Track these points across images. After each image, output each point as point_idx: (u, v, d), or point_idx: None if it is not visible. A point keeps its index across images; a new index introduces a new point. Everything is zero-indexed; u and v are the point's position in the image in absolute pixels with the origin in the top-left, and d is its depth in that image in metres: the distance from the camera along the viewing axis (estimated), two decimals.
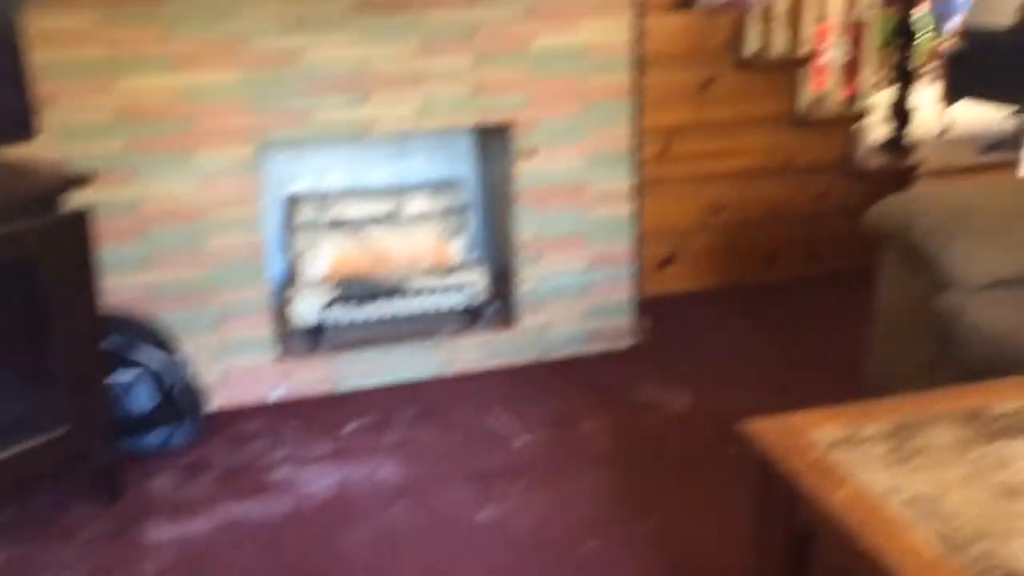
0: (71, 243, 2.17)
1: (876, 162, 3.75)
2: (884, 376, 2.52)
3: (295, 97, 2.67)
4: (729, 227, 3.63)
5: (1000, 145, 5.43)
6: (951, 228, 2.20)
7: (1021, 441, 1.45)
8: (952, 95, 5.94)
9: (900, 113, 3.82)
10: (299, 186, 3.09)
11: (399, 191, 3.14)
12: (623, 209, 3.06)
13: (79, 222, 2.17)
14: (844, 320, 3.31)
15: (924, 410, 1.56)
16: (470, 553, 2.14)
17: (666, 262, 3.60)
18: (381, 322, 3.04)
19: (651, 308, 3.28)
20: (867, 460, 1.43)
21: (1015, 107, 5.71)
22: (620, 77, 2.93)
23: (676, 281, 3.62)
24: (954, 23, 6.84)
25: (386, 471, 2.47)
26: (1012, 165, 5.01)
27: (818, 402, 2.63)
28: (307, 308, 2.92)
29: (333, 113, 2.71)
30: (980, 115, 6.19)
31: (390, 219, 3.09)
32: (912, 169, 3.80)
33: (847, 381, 2.77)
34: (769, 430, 1.52)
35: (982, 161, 5.24)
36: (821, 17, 3.73)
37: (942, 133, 5.87)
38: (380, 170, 3.17)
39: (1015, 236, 2.18)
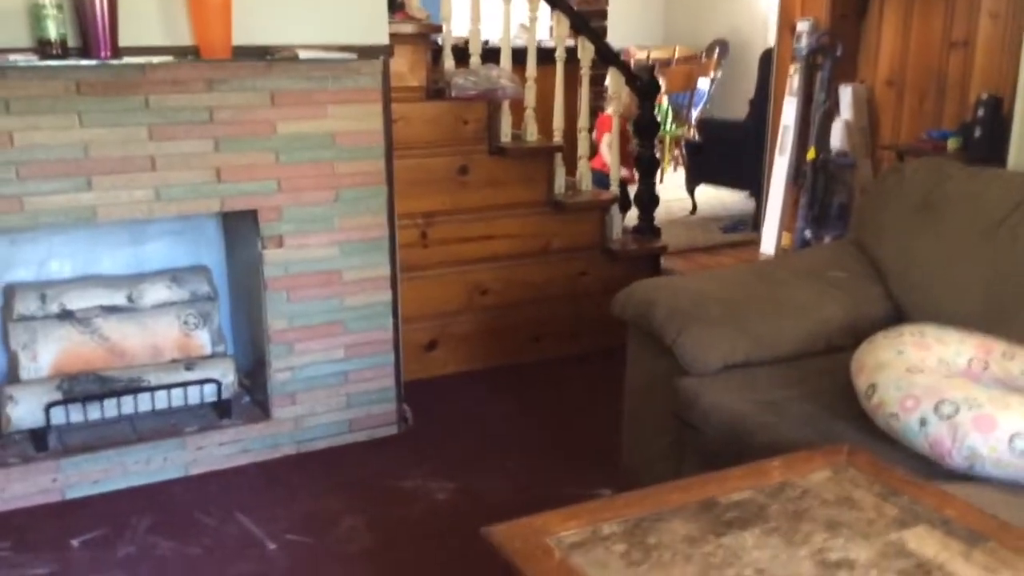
0: None
1: (628, 244, 3.92)
2: (637, 456, 2.59)
3: (4, 183, 2.43)
4: (492, 309, 3.66)
5: (739, 225, 5.89)
6: (686, 317, 2.30)
7: (749, 533, 1.49)
8: (693, 180, 6.43)
9: (646, 199, 4.03)
10: (19, 274, 2.81)
11: (136, 279, 2.93)
12: (382, 296, 3.00)
13: None
14: (604, 398, 3.39)
15: (661, 503, 1.58)
16: None
17: (430, 346, 3.56)
18: (117, 421, 2.79)
19: (415, 392, 3.23)
20: (606, 561, 1.42)
21: (746, 191, 6.24)
22: (373, 164, 2.89)
23: (441, 364, 3.59)
24: (696, 114, 7.43)
25: None
26: (752, 243, 5.44)
27: (577, 484, 2.71)
28: (27, 409, 2.62)
29: (50, 199, 2.49)
30: (721, 197, 6.71)
31: (126, 309, 2.86)
32: (661, 249, 4.01)
33: (606, 460, 2.84)
34: (513, 535, 1.48)
35: (725, 240, 5.66)
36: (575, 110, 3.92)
37: (690, 214, 6.30)
38: (115, 257, 2.95)
39: (743, 323, 2.30)
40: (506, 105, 3.56)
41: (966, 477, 1.74)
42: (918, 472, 1.73)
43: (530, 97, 3.65)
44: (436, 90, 3.39)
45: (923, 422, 1.78)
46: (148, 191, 2.61)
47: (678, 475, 2.13)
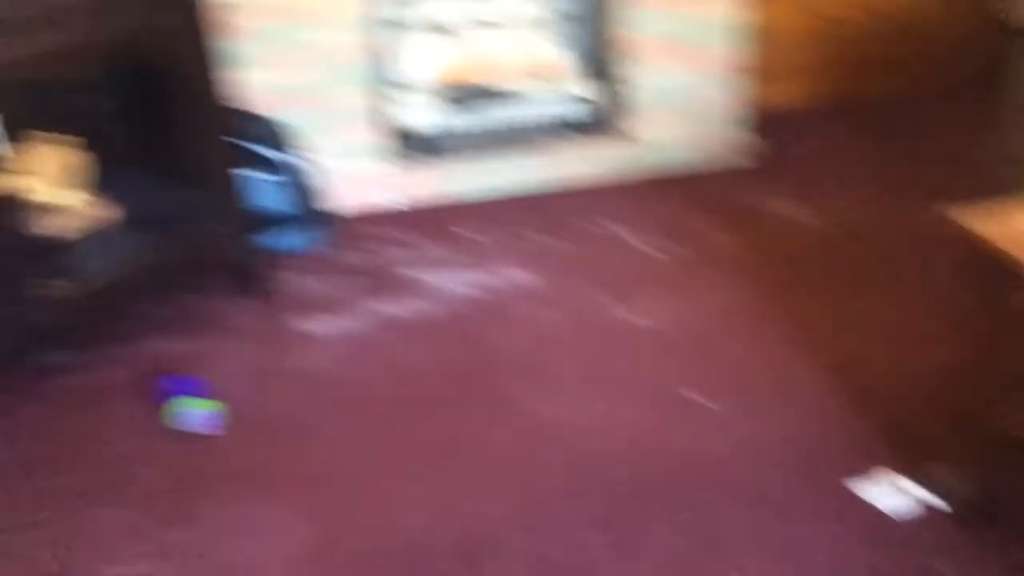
0: (193, 36, 2.09)
1: None
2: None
3: None
4: (837, 39, 3.47)
5: None
6: None
7: None
8: None
9: None
10: None
11: None
12: (735, 12, 2.92)
13: (199, 12, 2.09)
14: (958, 130, 3.23)
15: None
16: (624, 351, 2.17)
17: (771, 76, 3.47)
18: (492, 131, 2.96)
19: (762, 123, 3.20)
20: None
21: None
22: None
23: (781, 95, 3.50)
24: None
25: (525, 278, 2.49)
26: None
27: (949, 204, 2.63)
28: (419, 114, 2.84)
29: None
30: None
31: (487, 23, 2.92)
32: None
33: (973, 186, 2.73)
34: (978, 218, 1.50)
35: None
36: None
37: None
38: None
39: None
40: None
41: None
42: None
43: None
44: None
45: None
46: None
47: None
